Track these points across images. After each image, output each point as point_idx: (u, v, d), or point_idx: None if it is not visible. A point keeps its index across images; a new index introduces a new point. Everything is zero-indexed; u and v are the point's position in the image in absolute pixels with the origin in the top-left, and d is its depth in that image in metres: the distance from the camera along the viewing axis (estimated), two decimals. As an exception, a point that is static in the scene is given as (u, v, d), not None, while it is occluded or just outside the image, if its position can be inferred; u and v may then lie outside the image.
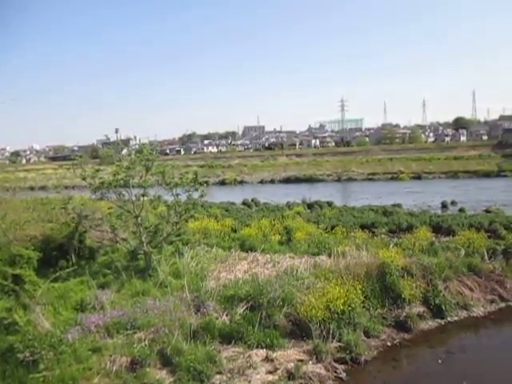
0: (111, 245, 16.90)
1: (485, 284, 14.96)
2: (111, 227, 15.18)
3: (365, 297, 12.69)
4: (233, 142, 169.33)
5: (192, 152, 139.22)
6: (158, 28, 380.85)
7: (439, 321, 13.26)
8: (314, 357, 10.59)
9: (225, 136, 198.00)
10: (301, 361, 10.43)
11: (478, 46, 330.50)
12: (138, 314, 11.38)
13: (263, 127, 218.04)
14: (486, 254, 16.16)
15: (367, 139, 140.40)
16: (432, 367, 10.88)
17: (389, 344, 11.91)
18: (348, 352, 10.88)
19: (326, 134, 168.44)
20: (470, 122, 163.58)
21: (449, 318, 13.36)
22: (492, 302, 14.46)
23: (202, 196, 16.21)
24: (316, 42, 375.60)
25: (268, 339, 10.89)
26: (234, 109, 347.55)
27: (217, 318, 11.63)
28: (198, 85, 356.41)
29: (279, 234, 20.53)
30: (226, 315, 11.84)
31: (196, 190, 16.02)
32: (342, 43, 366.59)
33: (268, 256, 16.46)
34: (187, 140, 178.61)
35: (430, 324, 13.09)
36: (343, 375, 10.29)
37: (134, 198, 15.30)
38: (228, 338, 11.01)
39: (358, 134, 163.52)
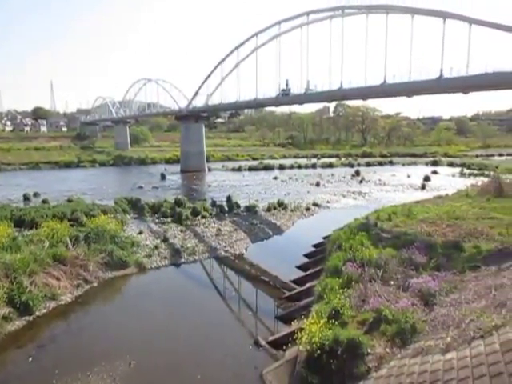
0: None
1: (70, 271, 15.68)
2: None
3: None
4: None
5: None
6: None
7: (28, 318, 12.90)
8: None
9: None
10: None
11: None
12: None
13: None
14: (69, 242, 16.92)
15: None
16: (22, 367, 10.43)
17: (-29, 360, 10.55)
18: None
19: None
20: (50, 112, 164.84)
21: (37, 313, 13.23)
22: (78, 286, 15.37)
23: None
24: None
25: None
26: None
27: None
28: None
29: None
30: None
31: None
32: None
33: None
34: None
35: (18, 323, 12.54)
36: None
37: None
38: None
39: None
